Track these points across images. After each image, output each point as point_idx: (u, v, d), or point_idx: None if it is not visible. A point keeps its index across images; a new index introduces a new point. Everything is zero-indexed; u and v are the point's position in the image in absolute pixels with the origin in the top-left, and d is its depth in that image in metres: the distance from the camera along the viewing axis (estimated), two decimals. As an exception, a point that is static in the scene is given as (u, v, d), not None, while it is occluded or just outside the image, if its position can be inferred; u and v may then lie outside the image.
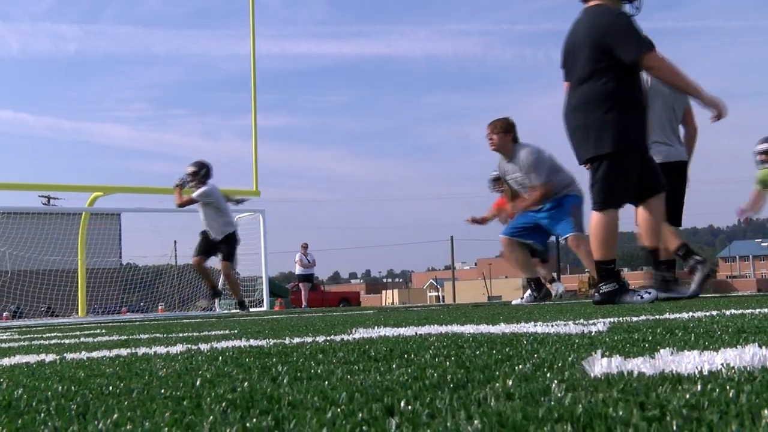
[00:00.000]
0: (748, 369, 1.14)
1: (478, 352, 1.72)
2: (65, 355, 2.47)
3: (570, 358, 1.46)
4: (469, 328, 2.81)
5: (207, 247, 10.38)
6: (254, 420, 0.93)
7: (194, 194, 10.27)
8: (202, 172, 10.30)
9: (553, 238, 18.54)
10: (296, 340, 2.64)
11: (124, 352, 2.46)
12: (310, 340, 2.60)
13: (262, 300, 17.51)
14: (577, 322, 2.93)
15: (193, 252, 10.64)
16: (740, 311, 3.24)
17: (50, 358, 2.37)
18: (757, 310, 3.25)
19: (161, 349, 2.48)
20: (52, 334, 4.85)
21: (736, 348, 1.46)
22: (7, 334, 5.71)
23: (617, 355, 1.37)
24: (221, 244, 10.38)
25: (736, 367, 1.17)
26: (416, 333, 2.67)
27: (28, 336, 4.80)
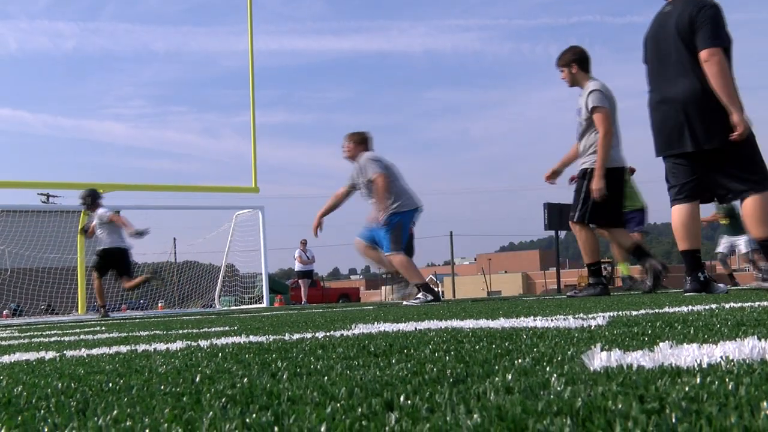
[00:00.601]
0: (748, 362, 1.14)
1: (477, 347, 1.72)
2: (65, 352, 2.47)
3: (569, 352, 1.46)
4: (469, 323, 2.81)
5: (104, 264, 11.11)
6: (254, 415, 0.93)
7: (93, 221, 11.02)
8: (88, 201, 11.04)
9: (561, 234, 18.51)
10: (296, 336, 2.64)
11: (123, 349, 2.47)
12: (309, 336, 2.60)
13: (262, 296, 17.51)
14: (576, 316, 2.93)
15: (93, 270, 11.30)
16: (739, 304, 3.24)
17: (50, 355, 2.37)
18: (756, 304, 3.25)
19: (161, 346, 2.48)
20: (52, 332, 4.85)
21: (736, 341, 1.46)
22: (7, 332, 5.71)
23: (617, 349, 1.37)
24: (116, 260, 11.12)
25: (735, 360, 1.17)
26: (416, 328, 2.68)
27: (28, 334, 4.80)
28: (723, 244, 13.82)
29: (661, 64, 5.40)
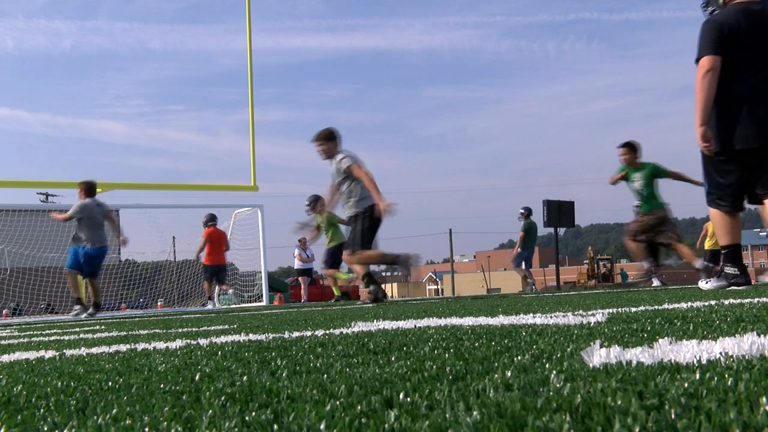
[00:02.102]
0: (747, 357, 1.15)
1: (477, 344, 1.72)
2: (65, 351, 2.47)
3: (569, 349, 1.47)
4: (468, 321, 2.81)
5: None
6: (253, 414, 0.93)
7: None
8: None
9: (560, 231, 18.54)
10: (295, 334, 2.64)
11: (123, 347, 2.47)
12: (309, 334, 2.60)
13: (262, 295, 17.51)
14: (576, 313, 2.93)
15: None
16: (739, 301, 3.24)
17: (50, 354, 2.37)
18: (756, 300, 3.25)
19: (160, 345, 2.48)
20: (52, 331, 4.85)
21: (735, 337, 1.46)
22: (6, 331, 5.71)
23: (616, 345, 1.37)
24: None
25: (734, 356, 1.17)
26: (415, 326, 2.68)
27: (28, 333, 4.80)
28: None
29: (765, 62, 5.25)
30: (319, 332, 2.65)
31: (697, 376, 0.98)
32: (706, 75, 5.15)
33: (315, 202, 12.66)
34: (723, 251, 5.48)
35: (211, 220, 14.66)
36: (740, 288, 5.23)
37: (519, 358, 1.36)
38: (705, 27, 5.27)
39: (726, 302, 3.15)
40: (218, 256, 14.57)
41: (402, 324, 2.85)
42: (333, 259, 13.32)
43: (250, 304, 17.07)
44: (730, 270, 5.41)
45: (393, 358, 1.51)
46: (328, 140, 7.98)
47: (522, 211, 16.55)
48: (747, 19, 5.22)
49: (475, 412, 0.82)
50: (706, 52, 5.19)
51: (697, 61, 5.25)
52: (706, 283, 5.68)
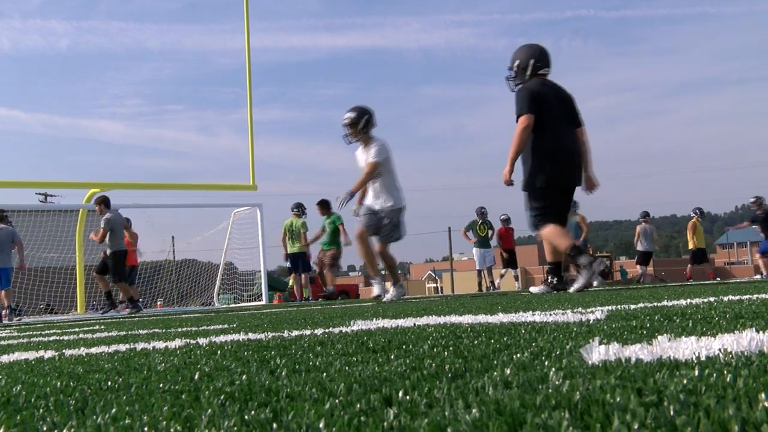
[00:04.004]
0: (746, 354, 1.15)
1: (476, 342, 1.72)
2: (64, 351, 2.47)
3: (568, 346, 1.47)
4: (468, 318, 2.81)
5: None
6: (252, 412, 0.93)
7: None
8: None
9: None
10: (295, 333, 2.64)
11: (122, 347, 2.47)
12: (308, 332, 2.60)
13: (261, 294, 17.51)
14: (575, 310, 2.93)
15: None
16: (738, 297, 3.24)
17: (49, 354, 2.37)
18: (755, 296, 3.25)
19: (160, 344, 2.48)
20: (51, 331, 4.85)
21: (734, 333, 1.46)
22: (6, 331, 5.70)
23: (615, 342, 1.37)
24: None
25: (733, 352, 1.17)
26: (414, 324, 2.68)
27: (27, 333, 4.80)
28: None
29: (563, 122, 6.68)
30: (319, 331, 2.65)
31: (696, 372, 0.98)
32: (524, 130, 6.50)
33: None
34: (550, 266, 6.91)
35: None
36: (558, 293, 6.41)
37: (518, 355, 1.36)
38: (521, 93, 6.58)
39: (725, 299, 3.15)
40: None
41: (401, 322, 2.85)
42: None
43: (249, 303, 17.06)
44: (553, 279, 6.90)
45: (392, 357, 1.51)
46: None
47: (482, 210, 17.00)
48: (548, 89, 6.69)
49: (474, 410, 0.82)
50: (525, 111, 6.50)
51: (517, 118, 6.53)
52: (537, 288, 7.03)
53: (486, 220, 17.26)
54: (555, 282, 6.90)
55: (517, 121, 6.52)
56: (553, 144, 6.56)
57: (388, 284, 8.37)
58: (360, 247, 7.92)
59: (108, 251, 12.41)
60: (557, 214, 6.68)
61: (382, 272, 8.15)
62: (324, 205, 14.17)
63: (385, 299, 7.90)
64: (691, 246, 17.04)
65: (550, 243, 6.71)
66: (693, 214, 17.27)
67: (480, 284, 17.41)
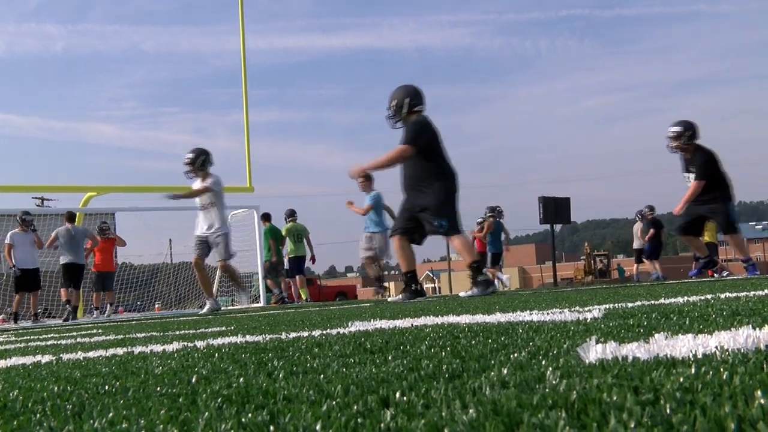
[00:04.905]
0: (742, 351, 1.15)
1: (473, 342, 1.72)
2: (61, 355, 2.46)
3: (565, 346, 1.47)
4: (465, 318, 2.81)
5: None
6: (249, 415, 0.93)
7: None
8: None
9: (556, 227, 18.56)
10: (292, 334, 2.64)
11: (120, 351, 2.46)
12: (306, 334, 2.60)
13: (259, 296, 17.50)
14: (572, 309, 2.93)
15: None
16: (735, 294, 3.25)
17: (46, 358, 2.36)
18: (752, 293, 3.26)
19: (157, 348, 2.48)
20: (49, 335, 4.84)
21: (731, 331, 1.46)
22: (3, 336, 5.69)
23: (612, 341, 1.37)
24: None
25: (730, 350, 1.17)
26: (412, 324, 2.68)
27: (25, 338, 4.79)
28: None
29: (438, 145, 7.25)
30: (316, 332, 2.65)
31: (693, 370, 0.99)
32: (402, 156, 7.09)
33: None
34: (406, 275, 7.45)
35: None
36: (415, 300, 6.99)
37: (515, 355, 1.36)
38: (415, 125, 7.14)
39: (722, 296, 3.15)
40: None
41: (399, 323, 2.85)
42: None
43: (247, 306, 17.05)
44: (413, 287, 7.39)
45: (390, 357, 1.51)
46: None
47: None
48: (432, 125, 7.32)
49: (471, 410, 0.82)
50: (411, 142, 7.04)
51: (405, 143, 7.05)
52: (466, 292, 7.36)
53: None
54: (416, 289, 7.52)
55: (406, 144, 7.09)
56: (449, 168, 7.30)
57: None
58: (197, 273, 9.52)
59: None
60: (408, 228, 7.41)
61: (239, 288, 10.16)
62: (265, 217, 15.47)
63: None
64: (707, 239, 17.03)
65: (463, 251, 7.33)
66: None
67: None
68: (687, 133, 8.51)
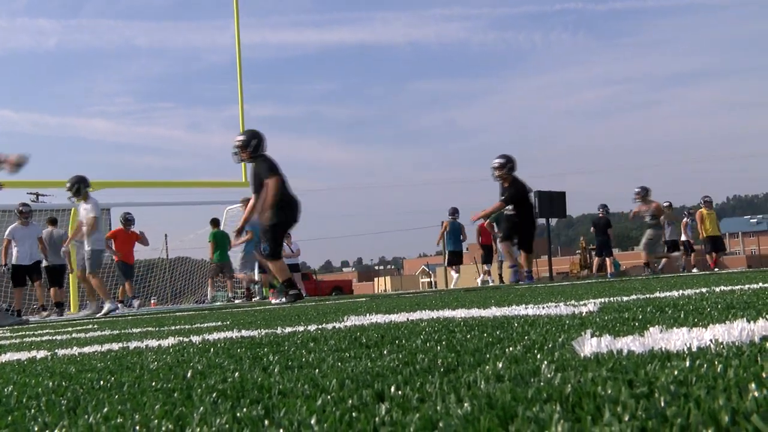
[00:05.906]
0: (737, 344, 1.15)
1: (469, 336, 1.72)
2: (56, 351, 2.46)
3: (560, 339, 1.47)
4: (461, 313, 2.82)
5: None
6: (244, 410, 0.93)
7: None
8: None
9: (551, 221, 18.59)
10: (288, 329, 2.64)
11: (115, 346, 2.46)
12: (302, 329, 2.60)
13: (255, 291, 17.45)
14: (568, 303, 2.94)
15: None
16: (730, 288, 3.26)
17: (41, 354, 2.36)
18: (747, 286, 3.27)
19: (153, 343, 2.47)
20: (44, 331, 4.83)
21: (725, 324, 1.47)
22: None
23: (607, 335, 1.38)
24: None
25: (724, 343, 1.17)
26: (408, 319, 2.68)
27: (20, 334, 4.78)
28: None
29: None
30: (312, 327, 2.65)
31: (687, 363, 0.99)
32: (277, 187, 7.99)
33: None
34: (284, 284, 8.40)
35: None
36: (297, 304, 7.62)
37: (510, 349, 1.37)
38: (265, 163, 8.16)
39: (717, 289, 3.16)
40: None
41: (394, 317, 2.85)
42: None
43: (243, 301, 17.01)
44: (293, 292, 8.20)
45: (385, 352, 1.51)
46: None
47: None
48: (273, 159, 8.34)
49: (465, 404, 0.82)
50: (275, 175, 8.06)
51: (269, 178, 8.02)
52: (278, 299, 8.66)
53: None
54: (294, 293, 8.29)
55: (267, 177, 8.11)
56: (291, 196, 8.35)
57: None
58: (85, 284, 10.64)
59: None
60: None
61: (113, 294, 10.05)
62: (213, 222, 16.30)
63: (98, 314, 10.07)
64: (702, 236, 17.13)
65: (278, 270, 8.42)
66: (701, 204, 17.51)
67: (501, 277, 17.09)
68: (509, 165, 10.21)
